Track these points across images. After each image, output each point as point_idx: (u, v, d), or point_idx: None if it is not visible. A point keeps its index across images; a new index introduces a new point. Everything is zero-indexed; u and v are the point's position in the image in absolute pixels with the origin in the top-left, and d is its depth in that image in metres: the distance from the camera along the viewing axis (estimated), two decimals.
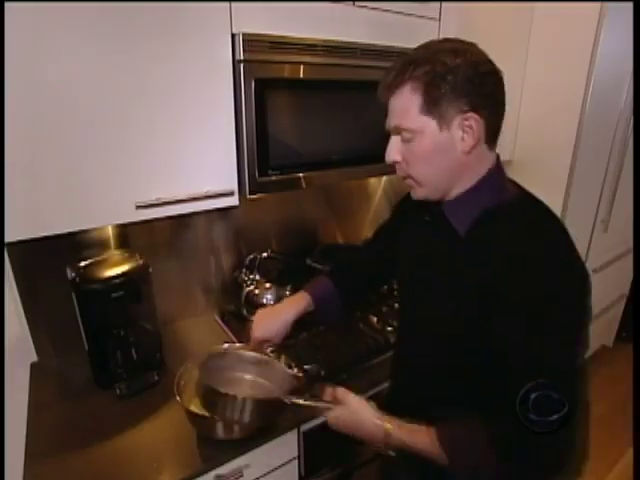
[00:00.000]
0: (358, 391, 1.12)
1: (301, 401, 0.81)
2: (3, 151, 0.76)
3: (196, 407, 0.95)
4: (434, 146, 0.66)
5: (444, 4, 1.31)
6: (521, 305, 0.61)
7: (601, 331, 2.50)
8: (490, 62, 0.65)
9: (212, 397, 0.81)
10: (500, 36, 1.60)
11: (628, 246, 2.37)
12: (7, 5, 0.71)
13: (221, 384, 0.82)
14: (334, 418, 0.77)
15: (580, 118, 1.62)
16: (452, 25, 1.36)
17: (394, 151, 0.71)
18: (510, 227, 0.66)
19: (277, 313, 0.99)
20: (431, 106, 0.64)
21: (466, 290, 0.68)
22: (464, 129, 0.64)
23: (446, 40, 0.68)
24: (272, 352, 1.04)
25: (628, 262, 2.46)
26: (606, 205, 1.96)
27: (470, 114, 0.63)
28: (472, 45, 0.66)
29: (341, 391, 0.79)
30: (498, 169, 0.71)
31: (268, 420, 0.95)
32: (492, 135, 0.68)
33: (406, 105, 0.66)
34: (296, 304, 0.99)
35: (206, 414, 0.89)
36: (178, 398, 0.92)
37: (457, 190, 0.70)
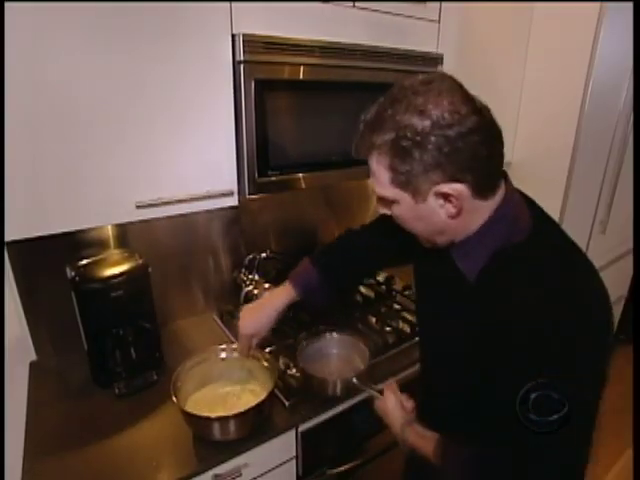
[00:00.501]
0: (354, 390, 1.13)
1: (362, 386, 0.99)
2: (3, 151, 0.76)
3: (192, 408, 0.95)
4: (414, 214, 0.63)
5: (444, 5, 1.31)
6: (533, 356, 0.57)
7: None
8: (471, 114, 0.56)
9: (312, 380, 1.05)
10: (500, 37, 1.61)
11: (626, 247, 2.37)
12: (7, 5, 0.71)
13: (317, 362, 1.11)
14: (377, 406, 0.90)
15: (579, 119, 1.62)
16: (452, 27, 1.36)
17: (381, 207, 0.68)
18: (524, 274, 0.60)
19: (262, 307, 0.99)
20: (400, 181, 0.59)
21: (475, 335, 0.65)
22: (444, 199, 0.59)
23: (424, 85, 0.58)
24: (267, 350, 1.06)
25: (626, 263, 2.47)
26: (604, 206, 1.96)
27: (447, 186, 0.57)
28: (450, 94, 0.56)
29: (390, 386, 0.90)
30: (507, 206, 0.63)
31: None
32: (483, 190, 0.60)
33: (377, 174, 0.62)
34: (281, 297, 0.98)
35: (202, 415, 0.91)
36: (174, 399, 0.92)
37: (460, 238, 0.65)
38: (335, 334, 1.19)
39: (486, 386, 0.63)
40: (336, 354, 1.17)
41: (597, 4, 1.49)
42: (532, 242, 0.62)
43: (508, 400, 0.58)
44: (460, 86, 0.60)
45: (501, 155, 0.61)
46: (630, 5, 1.58)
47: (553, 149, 1.73)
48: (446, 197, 0.59)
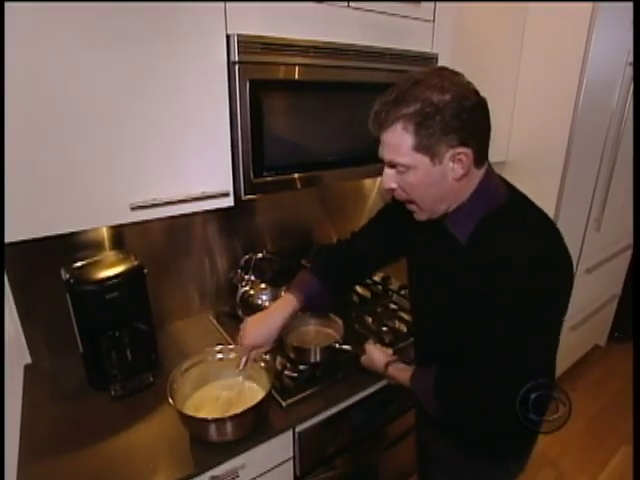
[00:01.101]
0: (351, 391, 1.13)
1: (345, 347, 1.14)
2: (3, 151, 0.76)
3: (189, 409, 0.95)
4: (428, 178, 0.72)
5: (438, 5, 1.31)
6: (504, 302, 0.70)
7: (594, 331, 2.52)
8: (475, 93, 0.71)
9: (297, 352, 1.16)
10: (494, 36, 1.61)
11: (621, 245, 2.39)
12: (7, 5, 0.70)
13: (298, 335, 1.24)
14: (362, 360, 1.08)
15: (573, 118, 1.63)
16: (446, 27, 1.37)
17: (390, 180, 0.77)
18: (504, 232, 0.73)
19: (266, 320, 0.99)
20: (423, 145, 0.69)
21: (463, 290, 0.76)
22: (455, 161, 0.70)
23: (433, 73, 0.71)
24: (266, 355, 1.06)
25: (621, 261, 2.48)
26: (599, 204, 1.98)
27: (460, 149, 0.69)
28: (458, 77, 0.71)
29: (369, 342, 1.10)
30: (488, 178, 0.77)
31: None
32: (480, 159, 0.74)
33: (398, 142, 0.70)
34: (284, 309, 0.99)
35: (199, 416, 0.90)
36: (171, 400, 0.92)
37: (454, 206, 0.77)
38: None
39: (470, 323, 0.75)
40: (313, 328, 1.29)
41: (590, 4, 1.50)
42: (510, 207, 0.76)
43: (486, 332, 0.73)
44: (462, 74, 0.73)
45: (490, 132, 0.74)
46: (623, 5, 1.59)
47: (547, 148, 1.74)
48: (458, 159, 0.70)
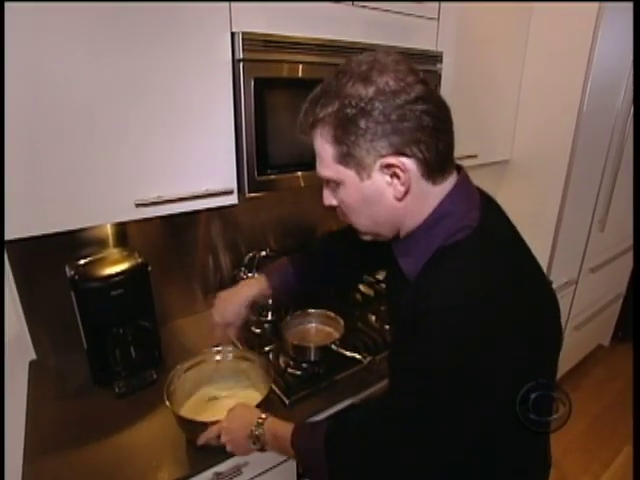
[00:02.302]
0: (354, 389, 1.13)
1: (342, 350, 1.13)
2: (3, 149, 0.76)
3: (188, 412, 0.95)
4: (361, 196, 0.59)
5: (443, 4, 1.31)
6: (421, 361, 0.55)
7: (598, 330, 2.51)
8: (416, 83, 0.54)
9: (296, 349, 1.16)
10: (499, 35, 1.61)
11: (625, 246, 2.38)
12: (7, 5, 0.71)
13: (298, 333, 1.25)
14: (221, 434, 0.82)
15: (578, 118, 1.62)
16: (451, 25, 1.36)
17: (327, 197, 0.67)
18: (449, 275, 0.56)
19: (233, 297, 0.98)
20: (345, 156, 0.57)
21: (400, 329, 0.69)
22: (390, 175, 0.57)
23: (364, 58, 0.57)
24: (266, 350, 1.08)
25: (625, 262, 2.47)
26: (603, 205, 1.97)
27: (391, 159, 0.55)
28: (396, 63, 0.56)
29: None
30: (454, 198, 0.60)
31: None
32: (431, 171, 0.57)
33: (320, 152, 0.60)
34: (252, 288, 0.98)
35: (196, 419, 0.90)
36: (168, 403, 0.90)
37: (405, 230, 0.62)
38: (313, 310, 1.30)
39: (397, 359, 0.67)
40: (314, 326, 1.30)
41: (596, 4, 1.50)
42: (473, 240, 0.57)
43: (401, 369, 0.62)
44: (405, 58, 0.58)
45: (451, 133, 0.58)
46: (628, 5, 1.58)
47: (552, 147, 1.73)
48: (393, 173, 0.56)
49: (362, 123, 0.54)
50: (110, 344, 1.07)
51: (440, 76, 1.32)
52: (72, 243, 1.15)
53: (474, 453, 0.60)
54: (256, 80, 0.97)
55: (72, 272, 1.04)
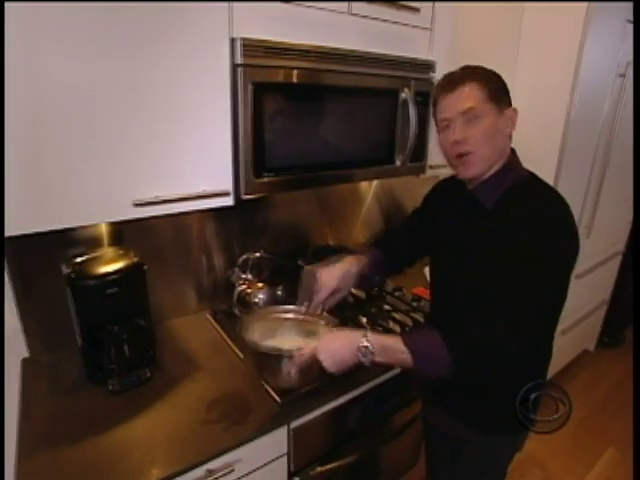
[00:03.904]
0: (346, 389, 1.16)
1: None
2: (3, 147, 0.77)
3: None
4: (491, 127, 0.87)
5: (436, 13, 1.35)
6: (517, 256, 0.81)
7: (583, 336, 2.56)
8: None
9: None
10: (490, 44, 1.65)
11: (610, 252, 2.44)
12: (7, 5, 0.72)
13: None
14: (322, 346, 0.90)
15: (565, 126, 1.67)
16: (444, 35, 1.40)
17: (459, 131, 0.88)
18: (523, 200, 0.87)
19: (339, 266, 1.08)
20: (492, 97, 0.86)
21: (486, 249, 0.88)
22: (510, 117, 0.88)
23: (478, 67, 0.91)
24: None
25: (610, 268, 2.53)
26: (589, 212, 2.02)
27: (512, 107, 0.89)
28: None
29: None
30: (515, 157, 0.94)
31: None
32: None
33: (475, 94, 0.86)
34: (357, 260, 1.10)
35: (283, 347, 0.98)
36: (244, 337, 1.02)
37: (489, 172, 0.91)
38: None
39: (488, 274, 0.85)
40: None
41: (584, 10, 1.53)
42: (530, 182, 0.91)
43: (501, 277, 0.83)
44: None
45: None
46: (614, 11, 1.63)
47: (540, 154, 1.77)
48: (511, 117, 0.89)
49: (499, 84, 0.89)
50: (105, 342, 1.08)
51: (432, 84, 1.36)
52: (68, 241, 1.16)
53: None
54: (254, 85, 0.99)
55: (68, 270, 1.05)
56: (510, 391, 0.95)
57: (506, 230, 0.84)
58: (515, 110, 0.89)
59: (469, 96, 0.87)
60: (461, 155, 0.89)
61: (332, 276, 1.06)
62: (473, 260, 0.91)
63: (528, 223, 0.82)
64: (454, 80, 0.89)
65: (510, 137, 0.91)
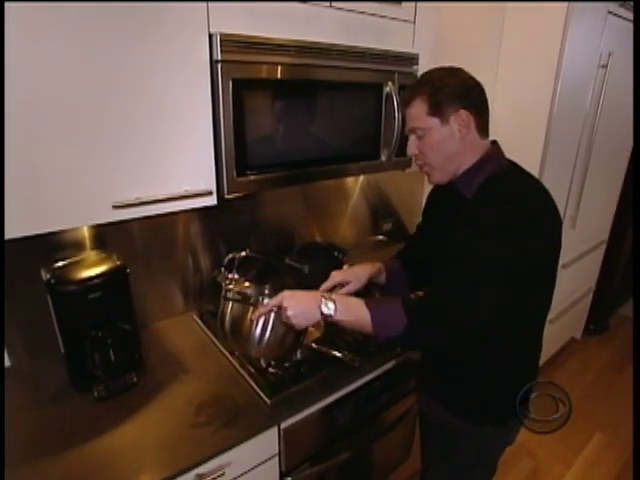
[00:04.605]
0: (336, 387, 1.15)
1: (323, 348, 1.15)
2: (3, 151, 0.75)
3: None
4: (438, 137, 0.90)
5: (419, 6, 1.33)
6: (481, 230, 0.84)
7: (570, 324, 2.60)
8: (474, 79, 0.92)
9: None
10: (473, 40, 1.65)
11: (595, 242, 2.47)
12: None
13: None
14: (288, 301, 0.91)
15: (549, 120, 1.67)
16: (426, 28, 1.39)
17: (413, 146, 0.95)
18: (500, 187, 0.89)
19: (356, 266, 1.18)
20: (435, 111, 0.89)
21: (465, 233, 0.88)
22: (459, 122, 0.89)
23: (442, 68, 0.93)
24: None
25: (595, 257, 2.57)
26: (574, 203, 2.04)
27: (461, 111, 0.88)
28: (460, 69, 0.92)
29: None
30: (495, 151, 0.96)
31: None
32: (481, 127, 0.93)
33: (417, 111, 0.91)
34: (371, 265, 1.18)
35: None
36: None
37: (462, 169, 0.94)
38: None
39: (459, 250, 0.87)
40: None
41: (563, 15, 1.53)
42: (510, 171, 0.94)
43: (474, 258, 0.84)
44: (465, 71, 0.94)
45: (488, 111, 0.95)
46: (593, 10, 1.64)
47: (524, 148, 1.77)
48: (460, 120, 0.88)
49: (446, 91, 0.88)
50: (88, 348, 1.05)
51: (416, 77, 1.34)
52: (48, 246, 1.13)
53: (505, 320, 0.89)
54: (234, 81, 0.97)
55: (48, 275, 1.02)
56: (497, 381, 0.98)
57: (479, 214, 0.87)
58: (466, 110, 0.88)
59: (414, 115, 0.92)
60: (421, 166, 0.98)
61: (340, 271, 1.15)
62: (451, 246, 0.93)
63: (498, 204, 0.85)
64: (405, 98, 0.94)
65: (464, 139, 0.91)
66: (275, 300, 0.92)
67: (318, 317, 0.88)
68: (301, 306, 0.90)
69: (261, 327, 0.98)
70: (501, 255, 0.81)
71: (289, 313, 0.89)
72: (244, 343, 0.99)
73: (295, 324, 0.90)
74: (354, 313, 0.88)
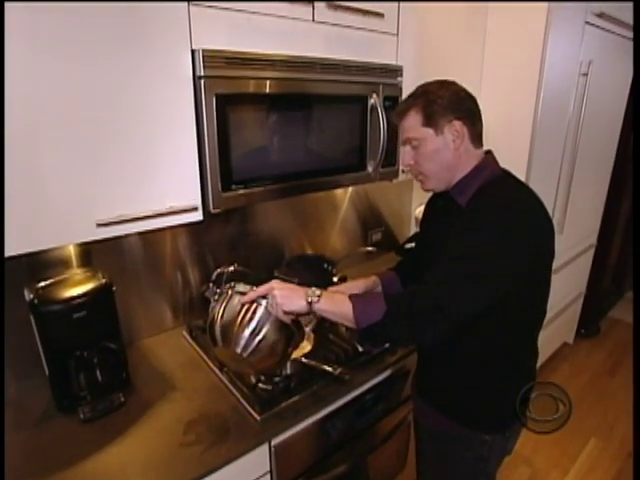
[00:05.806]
0: (327, 402, 1.14)
1: (312, 362, 1.16)
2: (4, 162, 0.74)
3: None
4: (434, 147, 0.94)
5: (401, 19, 1.35)
6: (467, 231, 0.88)
7: (562, 329, 2.61)
8: (466, 91, 0.96)
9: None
10: (456, 51, 1.66)
11: (583, 246, 2.50)
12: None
13: None
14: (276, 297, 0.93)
15: (533, 127, 1.70)
16: (409, 40, 1.41)
17: (407, 157, 0.98)
18: (492, 194, 0.92)
19: (349, 283, 1.21)
20: (429, 121, 0.92)
21: (457, 239, 0.90)
22: (453, 133, 0.92)
23: (436, 81, 0.96)
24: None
25: (584, 261, 2.59)
26: (561, 208, 2.06)
27: (455, 121, 0.92)
28: (453, 82, 0.96)
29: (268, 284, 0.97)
30: (488, 160, 0.98)
31: None
32: (475, 137, 0.96)
33: (412, 123, 0.94)
34: (365, 279, 1.19)
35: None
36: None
37: (456, 178, 0.97)
38: None
39: (448, 247, 0.89)
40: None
41: (544, 12, 1.56)
42: (503, 179, 0.97)
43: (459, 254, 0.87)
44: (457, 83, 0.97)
45: (481, 121, 0.97)
46: (574, 14, 1.68)
47: (510, 155, 1.78)
48: (454, 130, 0.91)
49: (439, 102, 0.91)
50: (73, 368, 1.03)
51: (401, 89, 1.36)
52: (32, 265, 1.12)
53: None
54: (217, 96, 0.97)
55: (31, 295, 1.00)
56: (496, 386, 0.99)
57: (470, 220, 0.89)
58: (460, 121, 0.92)
59: (409, 126, 0.95)
60: (416, 175, 1.01)
61: (332, 288, 1.12)
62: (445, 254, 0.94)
63: (489, 208, 0.88)
64: (400, 110, 0.97)
65: (458, 149, 0.93)
66: (265, 286, 0.96)
67: (303, 303, 0.92)
68: (288, 290, 0.95)
69: (252, 329, 0.97)
70: (485, 252, 0.84)
71: (276, 293, 0.93)
72: (234, 347, 0.98)
73: (280, 304, 0.92)
74: (337, 304, 0.92)
